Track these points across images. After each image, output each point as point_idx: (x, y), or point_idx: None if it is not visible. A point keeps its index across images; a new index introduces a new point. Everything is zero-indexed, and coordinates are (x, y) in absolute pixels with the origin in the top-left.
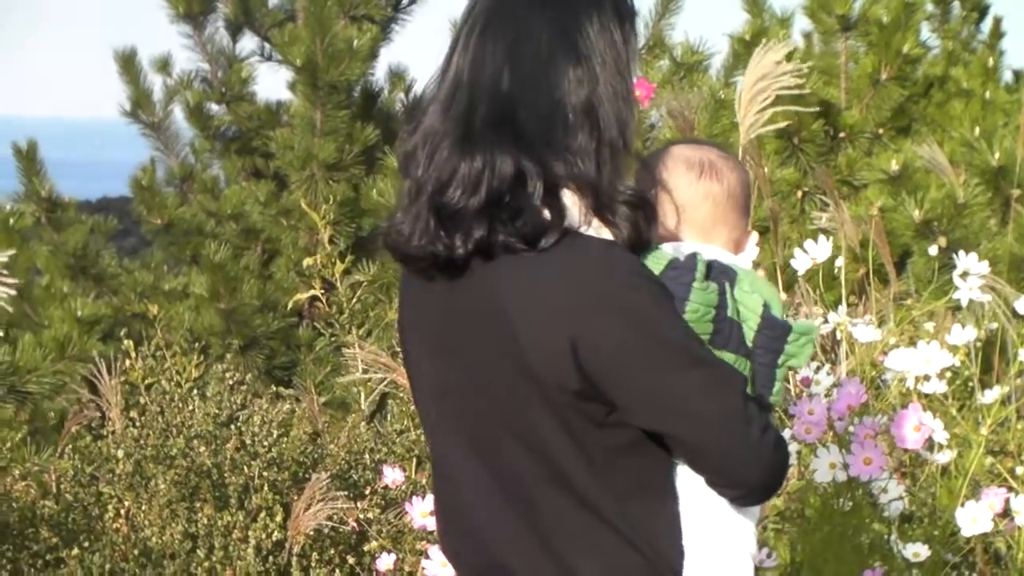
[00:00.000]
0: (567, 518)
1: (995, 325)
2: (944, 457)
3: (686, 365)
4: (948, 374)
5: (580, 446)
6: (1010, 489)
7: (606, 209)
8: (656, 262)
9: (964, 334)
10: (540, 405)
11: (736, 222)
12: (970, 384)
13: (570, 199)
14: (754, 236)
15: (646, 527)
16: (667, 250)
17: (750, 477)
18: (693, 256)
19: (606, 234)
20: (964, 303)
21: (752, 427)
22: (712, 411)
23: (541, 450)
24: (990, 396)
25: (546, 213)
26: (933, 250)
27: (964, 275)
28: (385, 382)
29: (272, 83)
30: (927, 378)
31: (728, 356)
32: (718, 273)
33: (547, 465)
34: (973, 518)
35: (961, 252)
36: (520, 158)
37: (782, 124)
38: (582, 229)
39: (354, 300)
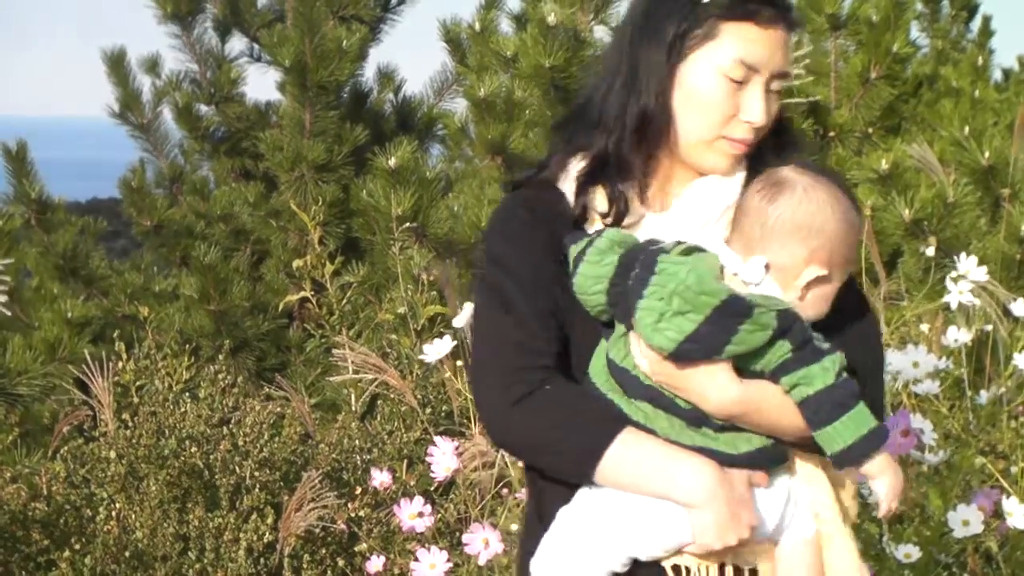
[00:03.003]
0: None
1: (989, 327)
2: (935, 458)
3: (489, 307)
4: (940, 374)
5: None
6: (1002, 490)
7: (586, 181)
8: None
9: (959, 336)
10: None
11: (775, 252)
12: (962, 384)
13: (572, 162)
14: (806, 274)
15: (539, 491)
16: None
17: (488, 430)
18: (600, 231)
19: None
20: (954, 306)
21: (495, 385)
22: (477, 356)
23: None
24: (984, 397)
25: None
26: (931, 251)
27: (957, 279)
28: (376, 383)
29: (261, 84)
30: (918, 380)
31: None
32: (651, 255)
33: None
34: (964, 520)
35: (962, 255)
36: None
37: None
38: (560, 184)
39: (344, 301)
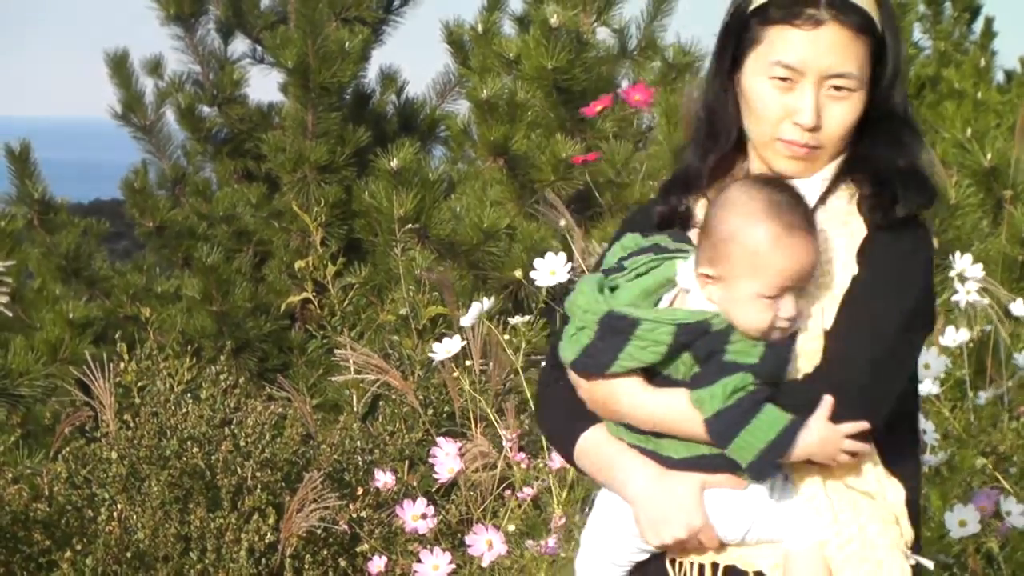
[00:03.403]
0: None
1: (989, 327)
2: (935, 459)
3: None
4: (941, 374)
5: None
6: (1002, 490)
7: (666, 193)
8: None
9: (958, 336)
10: None
11: (704, 254)
12: (963, 385)
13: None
14: (707, 291)
15: None
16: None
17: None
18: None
19: None
20: (962, 305)
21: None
22: None
23: None
24: (985, 398)
25: None
26: None
27: (961, 278)
28: (377, 384)
29: (264, 85)
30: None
31: None
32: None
33: None
34: (961, 520)
35: (956, 254)
36: None
37: None
38: None
39: (346, 302)
